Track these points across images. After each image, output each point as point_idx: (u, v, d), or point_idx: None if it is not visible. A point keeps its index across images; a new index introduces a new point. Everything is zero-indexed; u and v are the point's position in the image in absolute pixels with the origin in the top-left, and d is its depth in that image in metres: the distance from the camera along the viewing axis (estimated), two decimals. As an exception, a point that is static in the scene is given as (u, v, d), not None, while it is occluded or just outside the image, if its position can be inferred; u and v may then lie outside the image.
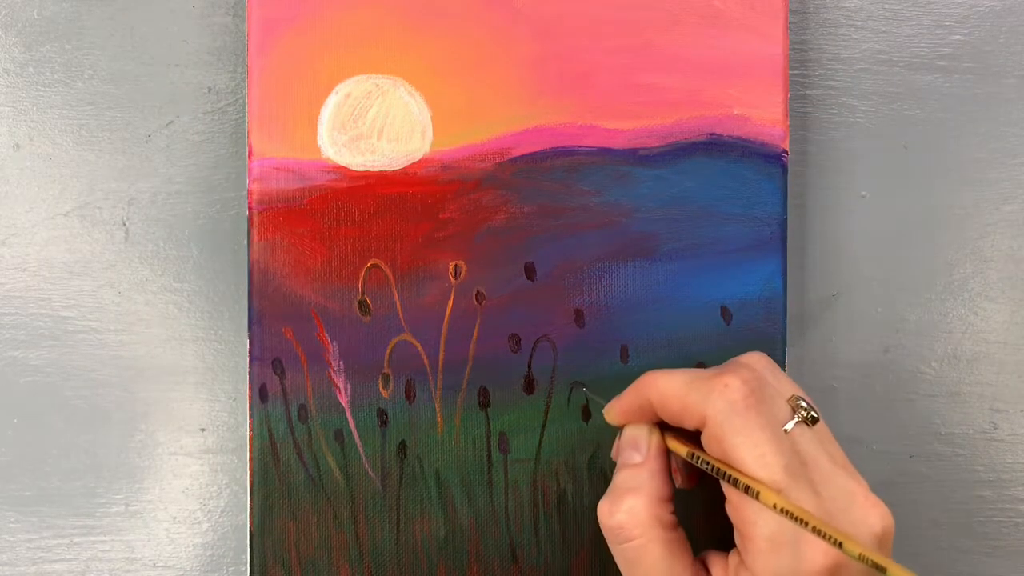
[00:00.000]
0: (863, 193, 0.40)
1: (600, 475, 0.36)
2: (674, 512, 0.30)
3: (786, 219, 0.37)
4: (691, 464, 0.30)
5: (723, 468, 0.29)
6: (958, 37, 0.40)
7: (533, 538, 0.36)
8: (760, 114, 0.36)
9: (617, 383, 0.36)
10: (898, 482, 0.40)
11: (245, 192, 0.35)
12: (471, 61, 0.35)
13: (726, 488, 0.29)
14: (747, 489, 0.28)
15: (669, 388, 0.30)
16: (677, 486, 0.32)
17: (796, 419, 0.29)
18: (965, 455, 0.41)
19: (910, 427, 0.40)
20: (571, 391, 0.36)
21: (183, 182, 0.38)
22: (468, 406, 0.36)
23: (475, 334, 0.36)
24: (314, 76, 0.35)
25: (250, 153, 0.35)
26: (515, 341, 0.36)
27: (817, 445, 0.29)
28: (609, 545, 0.31)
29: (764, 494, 0.27)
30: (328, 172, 0.35)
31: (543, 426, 0.36)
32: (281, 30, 0.35)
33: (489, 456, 0.36)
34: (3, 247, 0.37)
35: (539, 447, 0.36)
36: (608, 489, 0.31)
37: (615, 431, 0.33)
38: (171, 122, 0.37)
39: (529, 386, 0.36)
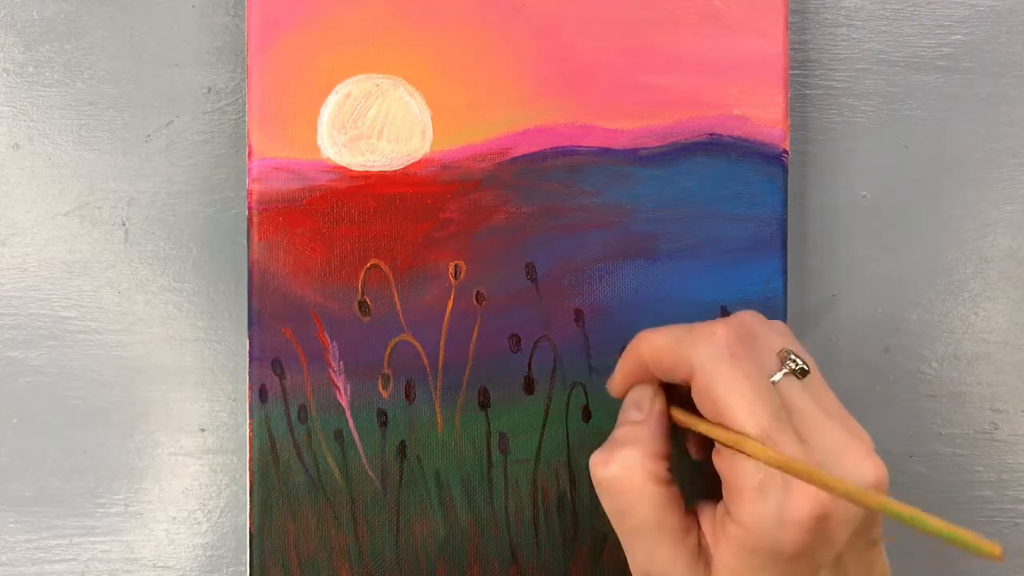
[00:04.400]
0: (863, 193, 0.40)
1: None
2: (670, 470, 0.30)
3: (786, 219, 0.37)
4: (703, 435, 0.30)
5: (715, 430, 0.28)
6: (958, 37, 0.40)
7: (533, 538, 0.36)
8: (760, 114, 0.36)
9: (617, 383, 0.36)
10: (898, 482, 0.40)
11: (245, 192, 0.35)
12: (471, 61, 0.35)
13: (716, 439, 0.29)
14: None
15: (659, 340, 0.30)
16: (692, 457, 0.32)
17: (784, 371, 0.29)
18: (965, 455, 0.41)
19: (910, 427, 0.40)
20: (571, 391, 0.36)
21: (183, 182, 0.38)
22: (468, 406, 0.36)
23: (475, 334, 0.36)
24: (314, 76, 0.35)
25: (250, 153, 0.35)
26: (515, 341, 0.36)
27: (807, 397, 0.29)
28: (600, 496, 0.30)
29: (750, 445, 0.27)
30: (328, 172, 0.35)
31: (543, 426, 0.36)
32: (281, 30, 0.35)
33: (489, 456, 0.36)
34: (3, 247, 0.37)
35: (539, 447, 0.36)
36: (604, 442, 0.31)
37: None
38: (171, 122, 0.37)
39: (529, 386, 0.36)
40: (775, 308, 0.36)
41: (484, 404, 0.36)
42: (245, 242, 0.35)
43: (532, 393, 0.36)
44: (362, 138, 0.35)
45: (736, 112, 0.36)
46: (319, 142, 0.35)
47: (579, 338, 0.36)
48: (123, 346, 0.37)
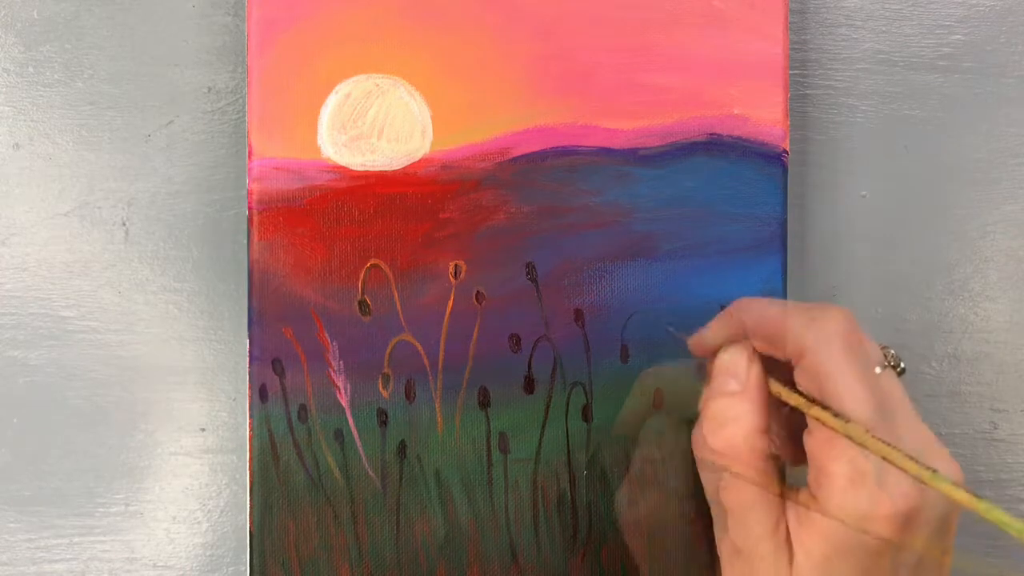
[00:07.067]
0: (863, 193, 0.40)
1: (600, 475, 0.36)
2: (771, 443, 0.30)
3: (786, 219, 0.37)
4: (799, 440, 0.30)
5: (816, 410, 0.28)
6: (958, 37, 0.40)
7: (533, 538, 0.36)
8: (760, 114, 0.36)
9: (617, 383, 0.36)
10: (898, 482, 0.40)
11: (245, 192, 0.35)
12: (471, 61, 0.35)
13: (811, 420, 0.28)
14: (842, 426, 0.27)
15: (770, 311, 0.30)
16: (786, 463, 0.31)
17: (888, 364, 0.29)
18: (965, 455, 0.41)
19: (910, 427, 0.40)
20: (571, 391, 0.36)
21: (183, 182, 0.38)
22: (468, 406, 0.36)
23: (475, 334, 0.36)
24: (314, 76, 0.35)
25: (250, 153, 0.35)
26: (515, 341, 0.36)
27: (902, 394, 0.29)
28: (700, 472, 0.30)
29: (856, 431, 0.27)
30: (328, 172, 0.35)
31: (543, 426, 0.36)
32: (281, 30, 0.35)
33: (489, 456, 0.36)
34: (3, 247, 0.37)
35: (539, 447, 0.36)
36: (702, 416, 0.30)
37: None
38: (171, 122, 0.37)
39: (529, 386, 0.36)
40: (775, 308, 0.36)
41: (484, 404, 0.36)
42: (245, 242, 0.35)
43: (532, 393, 0.36)
44: (362, 138, 0.35)
45: (736, 112, 0.36)
46: (319, 142, 0.35)
47: (579, 338, 0.36)
48: (123, 346, 0.37)
